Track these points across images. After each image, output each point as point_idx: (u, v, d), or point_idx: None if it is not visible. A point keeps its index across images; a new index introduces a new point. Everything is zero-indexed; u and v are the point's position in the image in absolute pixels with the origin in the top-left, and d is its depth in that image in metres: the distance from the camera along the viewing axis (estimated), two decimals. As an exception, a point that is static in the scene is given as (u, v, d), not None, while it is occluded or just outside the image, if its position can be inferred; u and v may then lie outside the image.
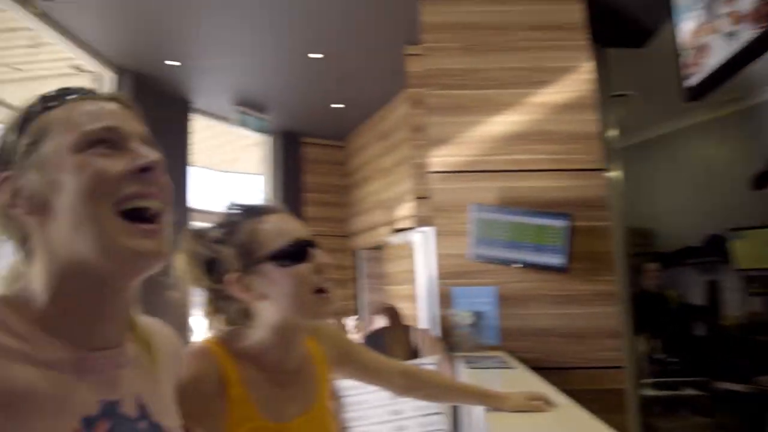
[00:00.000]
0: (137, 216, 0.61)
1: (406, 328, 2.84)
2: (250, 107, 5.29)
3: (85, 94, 0.67)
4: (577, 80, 3.09)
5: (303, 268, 1.01)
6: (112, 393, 0.61)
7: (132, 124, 0.66)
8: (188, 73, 4.54)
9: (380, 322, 2.93)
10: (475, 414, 1.87)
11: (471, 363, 2.24)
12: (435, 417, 1.62)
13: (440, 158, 3.08)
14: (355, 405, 1.72)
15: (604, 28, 3.31)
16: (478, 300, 2.85)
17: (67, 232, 0.59)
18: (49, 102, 0.64)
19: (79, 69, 4.43)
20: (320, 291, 1.02)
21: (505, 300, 2.87)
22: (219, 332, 1.04)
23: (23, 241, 0.62)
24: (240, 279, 0.99)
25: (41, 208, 0.60)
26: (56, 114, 0.63)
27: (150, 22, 3.76)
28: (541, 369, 2.07)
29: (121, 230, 0.60)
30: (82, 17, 3.67)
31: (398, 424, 1.62)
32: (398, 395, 1.41)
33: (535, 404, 1.38)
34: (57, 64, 4.35)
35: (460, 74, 3.16)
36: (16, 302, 0.59)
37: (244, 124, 5.23)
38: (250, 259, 1.00)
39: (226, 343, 1.02)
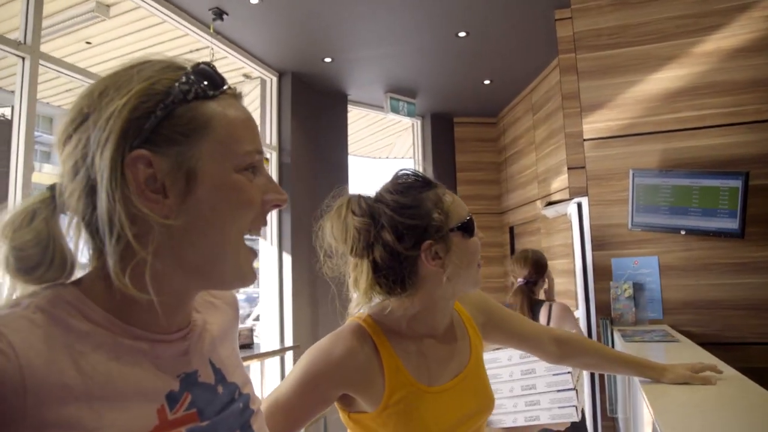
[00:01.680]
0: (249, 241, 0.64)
1: (538, 303, 2.68)
2: (400, 93, 5.46)
3: (222, 83, 0.62)
4: (757, 18, 2.70)
5: (477, 240, 1.06)
6: (188, 365, 0.62)
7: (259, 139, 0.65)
8: (342, 67, 4.82)
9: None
10: (633, 387, 1.78)
11: (628, 336, 2.11)
12: (567, 393, 1.57)
13: (595, 124, 2.93)
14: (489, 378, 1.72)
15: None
16: (637, 271, 2.66)
17: (192, 243, 0.58)
18: (206, 90, 0.59)
19: (247, 77, 4.95)
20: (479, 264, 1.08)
21: (667, 270, 2.64)
22: (368, 308, 1.07)
23: (115, 224, 0.54)
24: (432, 246, 1.00)
25: (173, 209, 0.56)
26: (215, 111, 0.59)
27: (303, 27, 4.06)
28: (710, 344, 1.89)
29: (247, 257, 0.62)
30: (247, 31, 4.10)
31: (531, 398, 1.61)
32: (552, 363, 1.37)
33: (700, 376, 1.26)
34: (229, 74, 4.91)
35: (613, 32, 2.95)
36: (92, 289, 0.56)
37: (395, 110, 5.41)
38: (441, 228, 1.01)
39: (375, 318, 1.06)
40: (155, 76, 0.57)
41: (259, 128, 0.67)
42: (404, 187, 1.05)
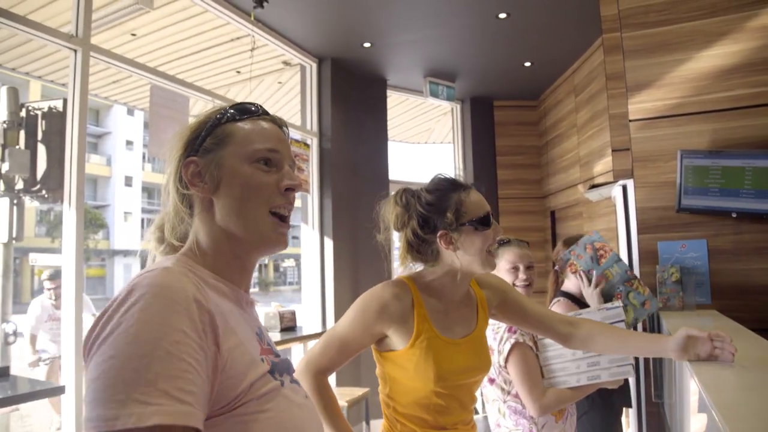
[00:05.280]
0: (277, 215, 0.86)
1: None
2: (440, 77, 5.41)
3: (259, 112, 0.90)
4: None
5: (488, 233, 1.35)
6: (256, 322, 0.88)
7: (286, 147, 0.90)
8: (381, 52, 4.81)
9: None
10: (681, 371, 1.75)
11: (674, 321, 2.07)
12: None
13: (641, 105, 2.85)
14: (551, 345, 1.83)
15: None
16: (685, 255, 2.60)
17: (229, 215, 0.83)
18: (235, 115, 0.87)
19: (287, 64, 4.99)
20: (490, 252, 1.36)
21: (716, 254, 2.56)
22: (409, 271, 1.43)
23: (189, 207, 0.87)
24: (447, 234, 1.35)
25: (211, 191, 0.84)
26: (238, 126, 0.86)
27: (343, 12, 4.07)
28: (761, 330, 1.83)
29: (269, 225, 0.84)
30: (287, 17, 4.14)
31: (592, 359, 1.71)
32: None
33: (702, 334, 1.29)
34: (269, 62, 4.97)
35: (662, 8, 2.85)
36: (193, 255, 0.84)
37: (434, 94, 5.38)
38: (457, 221, 1.34)
39: (414, 278, 1.41)
40: (208, 114, 0.89)
41: (287, 135, 0.93)
42: (434, 187, 1.40)
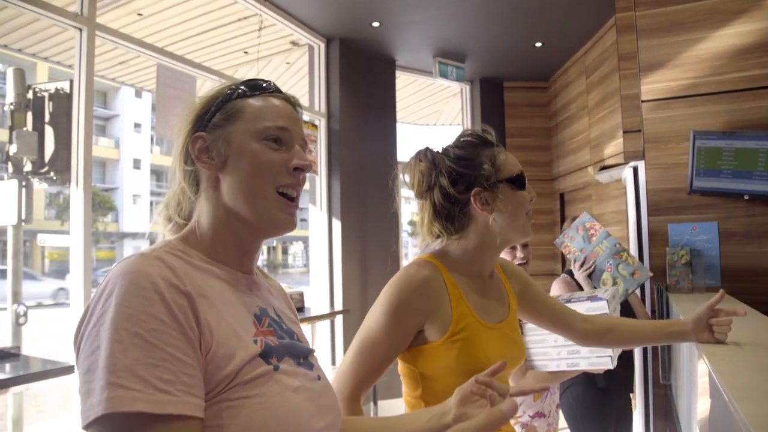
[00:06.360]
0: (285, 196, 0.83)
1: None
2: (449, 57, 5.35)
3: (271, 89, 0.87)
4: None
5: (525, 194, 1.21)
6: (261, 303, 0.85)
7: (298, 127, 0.87)
8: (390, 31, 4.75)
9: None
10: (689, 353, 1.74)
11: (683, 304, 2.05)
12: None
13: (654, 85, 2.81)
14: (533, 330, 1.84)
15: None
16: (695, 237, 2.57)
17: (235, 193, 0.81)
18: (246, 90, 0.85)
19: (295, 44, 4.95)
20: (528, 216, 1.22)
21: (727, 237, 2.53)
22: (430, 250, 1.24)
23: (195, 185, 0.85)
24: (482, 193, 1.18)
25: (218, 168, 0.82)
26: (249, 102, 0.84)
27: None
28: (772, 312, 1.81)
29: (277, 204, 0.82)
30: (295, -4, 4.08)
31: (572, 348, 1.71)
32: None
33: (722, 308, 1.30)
34: (277, 42, 4.92)
35: (677, -14, 2.79)
36: (191, 239, 0.82)
37: (444, 75, 5.32)
38: (492, 179, 1.18)
39: (437, 256, 1.21)
40: (219, 89, 0.87)
41: (298, 112, 0.90)
42: (465, 143, 1.24)
